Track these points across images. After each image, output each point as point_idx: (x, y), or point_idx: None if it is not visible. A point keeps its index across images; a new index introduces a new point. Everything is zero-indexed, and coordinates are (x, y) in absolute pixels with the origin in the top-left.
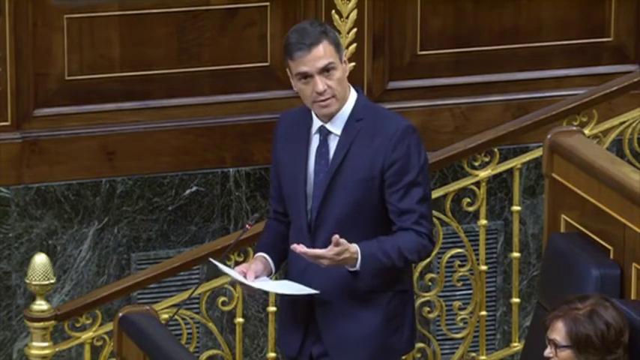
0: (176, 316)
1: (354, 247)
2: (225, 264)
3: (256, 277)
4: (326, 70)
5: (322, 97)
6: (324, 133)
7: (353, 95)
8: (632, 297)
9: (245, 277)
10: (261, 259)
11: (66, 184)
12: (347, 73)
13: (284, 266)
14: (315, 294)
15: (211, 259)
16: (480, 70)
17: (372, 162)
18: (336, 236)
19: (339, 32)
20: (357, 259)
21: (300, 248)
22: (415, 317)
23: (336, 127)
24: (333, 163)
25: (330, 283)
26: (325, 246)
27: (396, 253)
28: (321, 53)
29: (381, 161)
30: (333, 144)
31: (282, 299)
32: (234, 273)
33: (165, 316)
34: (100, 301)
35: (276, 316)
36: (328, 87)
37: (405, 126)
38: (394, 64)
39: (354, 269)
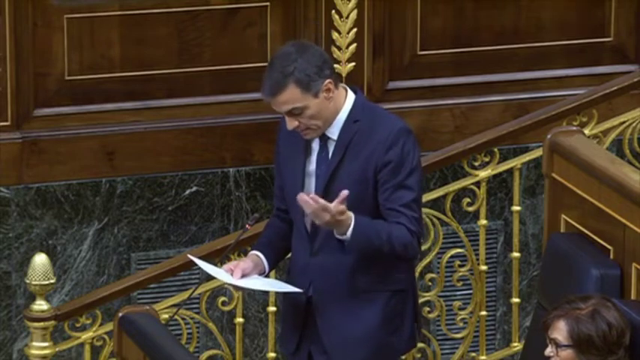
0: (176, 316)
1: (350, 214)
2: (208, 261)
3: (244, 276)
4: (292, 113)
5: (298, 130)
6: (324, 138)
7: (350, 97)
8: (632, 297)
9: (232, 274)
10: (253, 257)
11: (66, 184)
12: (330, 100)
13: (283, 266)
14: (314, 293)
15: (189, 255)
16: (480, 70)
17: (366, 163)
18: (345, 192)
19: (339, 32)
20: (349, 226)
21: (304, 196)
22: (418, 317)
23: (333, 132)
24: (330, 166)
25: (329, 282)
26: (323, 246)
27: (387, 237)
28: (284, 100)
29: (374, 162)
30: (332, 147)
31: (284, 298)
32: (215, 270)
33: (165, 316)
34: (100, 301)
35: (279, 314)
36: (300, 123)
37: (399, 127)
38: (394, 64)
39: (344, 237)
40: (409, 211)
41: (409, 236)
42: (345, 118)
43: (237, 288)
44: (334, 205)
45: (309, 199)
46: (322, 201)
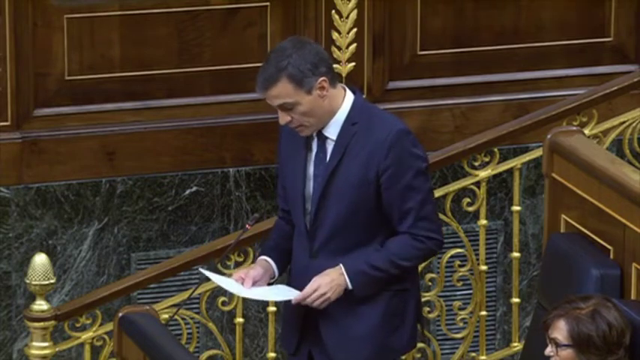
0: (176, 316)
1: (336, 268)
2: (218, 271)
3: (255, 283)
4: (284, 108)
5: (290, 125)
6: (323, 138)
7: (349, 98)
8: (632, 297)
9: (242, 283)
10: (262, 263)
11: (66, 184)
12: (324, 98)
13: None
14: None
15: (201, 269)
16: (480, 70)
17: (366, 167)
18: (301, 295)
19: (339, 32)
20: (344, 275)
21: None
22: (421, 317)
23: (332, 133)
24: (328, 167)
25: None
26: (322, 247)
27: (388, 264)
28: (275, 94)
29: (375, 166)
30: (330, 148)
31: None
32: (226, 282)
33: (165, 316)
34: (100, 301)
35: (279, 314)
36: (292, 118)
37: (397, 130)
38: (394, 64)
39: (350, 289)
40: (416, 213)
41: (415, 244)
42: (344, 119)
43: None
44: (307, 291)
45: (301, 299)
46: (308, 290)
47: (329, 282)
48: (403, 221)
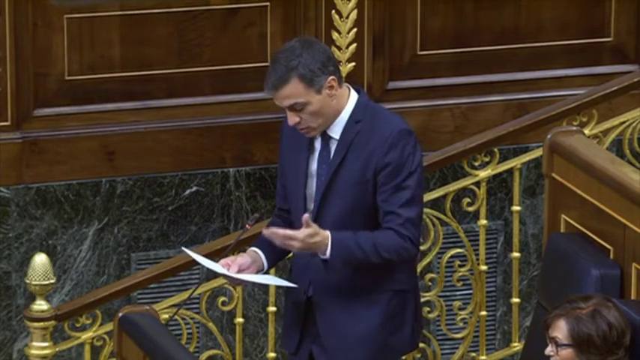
0: (176, 316)
1: (326, 233)
2: (203, 255)
3: (241, 271)
4: (294, 108)
5: (298, 127)
6: (326, 137)
7: (353, 97)
8: (632, 297)
9: (228, 269)
10: (252, 253)
11: (66, 184)
12: (333, 97)
13: (283, 265)
14: (314, 292)
15: (184, 249)
16: (480, 70)
17: (366, 165)
18: (306, 216)
19: (339, 32)
20: (327, 244)
21: (268, 231)
22: (419, 317)
23: (335, 132)
24: (331, 165)
25: (330, 282)
26: None
27: (371, 247)
28: (286, 94)
29: (374, 164)
30: (333, 147)
31: (285, 297)
32: (210, 264)
33: (165, 316)
34: (100, 301)
35: (279, 314)
36: (301, 119)
37: (399, 129)
38: (394, 64)
39: (325, 257)
40: (404, 213)
41: (400, 241)
42: (348, 118)
43: (232, 280)
44: (300, 232)
45: (270, 233)
46: (287, 232)
47: (310, 243)
48: (390, 218)
